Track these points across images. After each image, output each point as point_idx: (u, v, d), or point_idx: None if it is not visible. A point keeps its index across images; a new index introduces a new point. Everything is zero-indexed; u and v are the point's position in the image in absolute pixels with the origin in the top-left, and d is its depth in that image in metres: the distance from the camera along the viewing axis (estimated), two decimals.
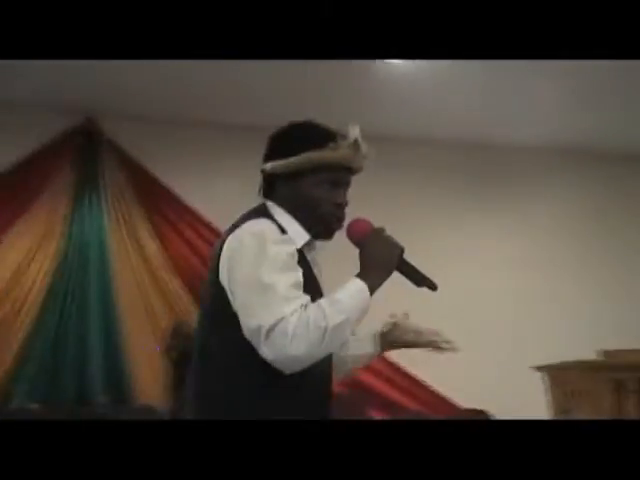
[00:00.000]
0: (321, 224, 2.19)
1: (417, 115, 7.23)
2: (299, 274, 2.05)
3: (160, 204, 7.02)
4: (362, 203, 2.67)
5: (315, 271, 2.21)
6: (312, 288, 2.10)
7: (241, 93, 6.60)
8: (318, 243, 2.25)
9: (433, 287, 2.25)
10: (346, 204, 2.21)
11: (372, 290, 2.07)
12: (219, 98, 6.71)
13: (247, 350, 2.00)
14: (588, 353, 4.49)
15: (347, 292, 2.03)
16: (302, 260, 2.11)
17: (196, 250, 6.99)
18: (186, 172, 7.21)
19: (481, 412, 6.92)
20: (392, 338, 2.43)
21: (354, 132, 2.17)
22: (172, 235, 7.01)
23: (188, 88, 6.48)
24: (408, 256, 2.25)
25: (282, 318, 1.94)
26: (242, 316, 2.01)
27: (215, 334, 2.10)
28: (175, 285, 6.89)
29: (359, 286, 2.05)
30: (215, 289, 2.09)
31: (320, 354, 2.00)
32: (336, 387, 2.16)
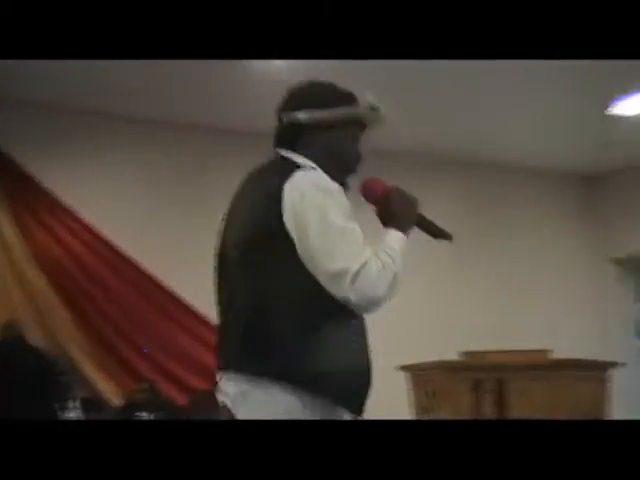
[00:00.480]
0: (345, 176, 2.27)
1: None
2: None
3: (21, 190, 6.72)
4: None
5: None
6: None
7: (94, 78, 6.40)
8: None
9: (449, 238, 2.36)
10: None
11: (405, 240, 2.17)
12: (72, 82, 6.49)
13: (315, 294, 2.04)
14: (451, 354, 4.60)
15: (395, 242, 2.13)
16: None
17: (58, 238, 6.75)
18: (47, 157, 6.91)
19: None
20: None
21: (372, 96, 2.29)
22: (33, 223, 6.73)
23: (44, 71, 6.20)
24: None
25: (366, 262, 2.01)
26: (319, 261, 2.02)
27: (276, 280, 2.08)
28: (35, 276, 6.63)
29: (399, 236, 2.15)
30: (275, 238, 2.06)
31: (390, 298, 2.08)
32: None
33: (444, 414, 4.16)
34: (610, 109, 7.24)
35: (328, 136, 2.26)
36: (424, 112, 7.28)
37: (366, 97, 2.30)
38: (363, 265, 2.01)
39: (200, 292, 7.00)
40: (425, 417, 4.29)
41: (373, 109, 2.29)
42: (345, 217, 2.06)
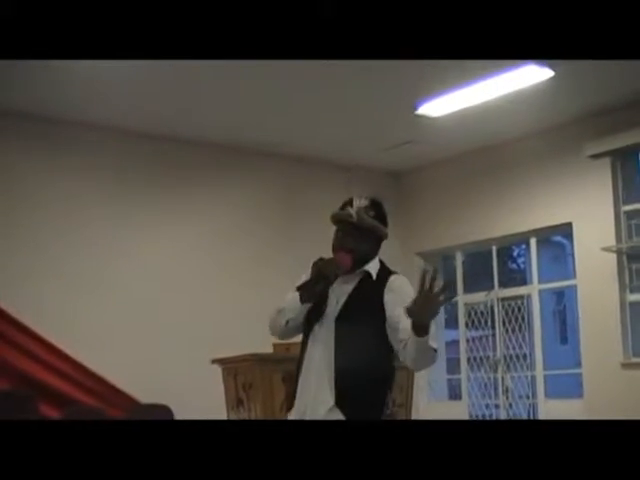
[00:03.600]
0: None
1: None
2: None
3: None
4: None
5: None
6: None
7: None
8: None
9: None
10: (356, 251, 3.10)
11: (301, 294, 3.05)
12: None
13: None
14: (267, 348, 4.63)
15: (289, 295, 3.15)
16: None
17: None
18: None
19: (163, 407, 6.89)
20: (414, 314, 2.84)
21: (359, 202, 3.14)
22: None
23: None
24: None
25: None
26: (395, 329, 2.97)
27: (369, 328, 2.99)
28: None
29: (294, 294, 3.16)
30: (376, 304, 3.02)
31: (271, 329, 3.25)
32: None
33: (258, 406, 4.18)
34: (418, 109, 7.55)
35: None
36: (240, 106, 7.31)
37: (352, 204, 3.15)
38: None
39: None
40: (240, 410, 4.29)
41: (349, 214, 3.15)
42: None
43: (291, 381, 3.04)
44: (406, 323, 2.83)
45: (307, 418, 2.90)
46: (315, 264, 3.06)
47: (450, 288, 2.97)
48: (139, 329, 7.69)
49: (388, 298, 3.03)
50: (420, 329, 2.77)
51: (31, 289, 7.18)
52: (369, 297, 3.04)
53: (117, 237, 7.85)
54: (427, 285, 2.78)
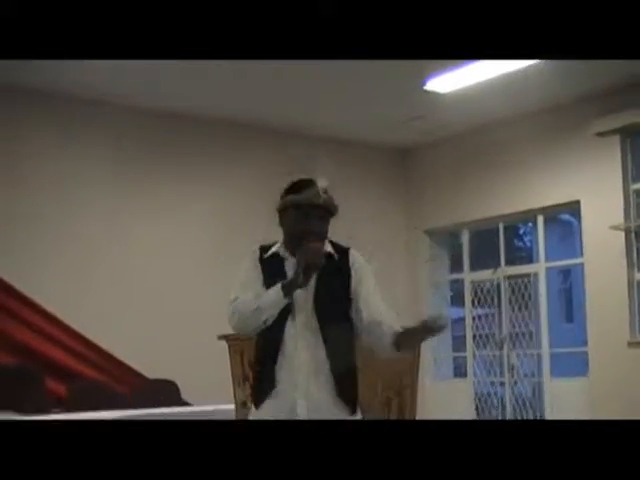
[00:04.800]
0: (293, 245, 2.97)
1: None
2: None
3: None
4: None
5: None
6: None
7: None
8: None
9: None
10: (320, 232, 2.97)
11: (285, 289, 2.85)
12: None
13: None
14: None
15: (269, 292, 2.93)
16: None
17: None
18: None
19: (169, 382, 6.91)
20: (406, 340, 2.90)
21: (323, 183, 2.97)
22: None
23: None
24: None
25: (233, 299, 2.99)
26: (376, 321, 2.93)
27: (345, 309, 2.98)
28: None
29: (276, 289, 2.91)
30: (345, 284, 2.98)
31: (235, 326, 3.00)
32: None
33: None
34: (426, 85, 7.49)
35: (284, 219, 3.05)
36: (250, 86, 7.25)
37: (316, 184, 2.96)
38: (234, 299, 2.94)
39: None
40: (246, 386, 4.28)
41: (316, 194, 2.94)
42: (245, 273, 3.07)
43: None
44: (388, 320, 2.91)
45: (299, 412, 2.79)
46: (302, 255, 2.83)
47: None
48: (146, 305, 7.69)
49: (356, 277, 2.99)
50: (399, 348, 2.87)
51: (37, 266, 7.18)
52: (337, 278, 2.96)
53: (123, 213, 7.83)
54: (433, 332, 2.81)
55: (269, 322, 2.85)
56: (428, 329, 2.79)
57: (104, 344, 7.16)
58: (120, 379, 7.13)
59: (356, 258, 3.03)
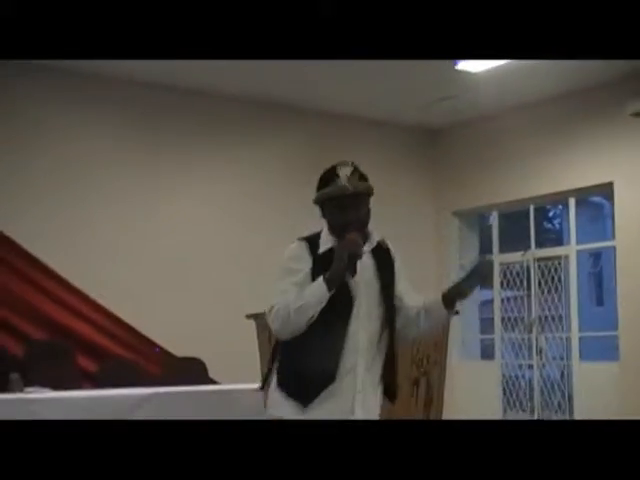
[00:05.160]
0: (337, 236, 2.93)
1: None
2: None
3: None
4: None
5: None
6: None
7: None
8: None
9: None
10: (357, 219, 2.93)
11: (328, 283, 2.79)
12: None
13: None
14: None
15: (310, 288, 2.83)
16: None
17: None
18: None
19: (197, 360, 6.95)
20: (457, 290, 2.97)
21: (345, 170, 2.94)
22: None
23: None
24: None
25: (273, 305, 2.93)
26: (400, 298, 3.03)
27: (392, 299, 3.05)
28: None
29: (318, 283, 2.82)
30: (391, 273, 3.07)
31: (284, 331, 2.88)
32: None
33: None
34: (458, 64, 7.41)
35: (323, 211, 3.02)
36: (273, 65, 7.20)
37: (339, 175, 2.94)
38: (271, 307, 2.85)
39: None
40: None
41: (342, 187, 2.91)
42: (283, 271, 2.95)
43: None
44: (412, 294, 3.01)
45: (356, 410, 2.80)
46: (341, 248, 2.82)
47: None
48: (174, 284, 7.72)
49: (397, 268, 3.06)
50: (453, 302, 2.95)
51: (73, 248, 7.24)
52: (387, 267, 3.01)
53: (150, 191, 7.85)
54: (483, 274, 2.98)
55: (314, 318, 2.79)
56: (478, 272, 2.91)
57: (133, 322, 7.20)
58: (148, 357, 7.18)
59: (392, 247, 3.09)
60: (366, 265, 2.92)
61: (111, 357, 6.96)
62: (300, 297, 2.79)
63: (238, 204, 8.31)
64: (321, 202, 3.01)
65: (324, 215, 3.02)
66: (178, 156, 8.05)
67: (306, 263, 2.91)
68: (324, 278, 2.79)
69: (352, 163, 2.97)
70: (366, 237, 2.96)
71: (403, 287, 3.03)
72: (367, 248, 2.95)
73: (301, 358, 2.85)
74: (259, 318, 4.45)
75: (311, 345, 2.83)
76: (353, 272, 2.83)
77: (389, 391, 2.97)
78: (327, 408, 2.79)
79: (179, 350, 7.15)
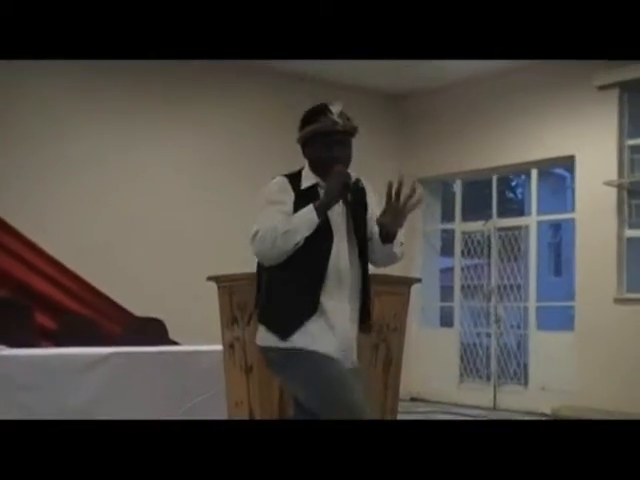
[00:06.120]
0: (320, 175, 2.99)
1: None
2: None
3: None
4: None
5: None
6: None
7: None
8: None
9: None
10: (345, 157, 3.01)
11: (318, 210, 2.86)
12: None
13: None
14: None
15: (299, 214, 2.87)
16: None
17: None
18: None
19: (156, 321, 6.94)
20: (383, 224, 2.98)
21: (336, 109, 2.99)
22: None
23: None
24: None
25: (257, 230, 2.95)
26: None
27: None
28: None
29: (308, 209, 2.86)
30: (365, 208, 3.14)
31: (265, 255, 2.91)
32: None
33: (252, 325, 4.18)
34: None
35: (307, 148, 3.04)
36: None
37: (331, 111, 2.98)
38: (256, 232, 2.85)
39: None
40: (235, 328, 4.29)
41: (334, 122, 2.96)
42: (267, 202, 2.94)
43: None
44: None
45: (337, 337, 2.90)
46: (334, 178, 2.90)
47: (416, 194, 3.07)
48: (135, 243, 7.69)
49: (370, 201, 3.14)
50: (387, 237, 2.98)
51: (31, 204, 7.16)
52: (362, 205, 3.10)
53: (115, 153, 7.77)
54: (393, 196, 2.97)
55: (300, 244, 2.85)
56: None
57: (93, 280, 7.16)
58: (108, 315, 7.15)
59: (367, 186, 3.16)
60: (345, 202, 3.02)
61: (70, 315, 6.92)
62: (288, 222, 2.84)
63: (203, 168, 8.25)
64: (308, 138, 3.02)
65: (307, 153, 3.05)
66: (146, 115, 7.96)
67: (289, 196, 2.95)
68: (314, 205, 2.86)
69: (341, 103, 3.04)
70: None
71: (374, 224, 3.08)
72: None
73: (280, 293, 2.93)
74: (220, 280, 4.45)
75: (290, 279, 2.90)
76: (338, 202, 2.94)
77: (363, 322, 3.06)
78: (308, 341, 2.86)
79: (139, 310, 7.13)
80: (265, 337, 2.97)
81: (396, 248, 3.07)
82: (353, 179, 3.01)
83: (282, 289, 2.94)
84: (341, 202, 2.99)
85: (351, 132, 3.05)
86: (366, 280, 3.04)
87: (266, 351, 2.99)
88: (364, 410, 2.74)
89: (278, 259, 2.87)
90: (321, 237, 2.90)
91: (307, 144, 3.05)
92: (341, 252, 2.95)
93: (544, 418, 7.84)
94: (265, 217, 2.88)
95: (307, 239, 2.86)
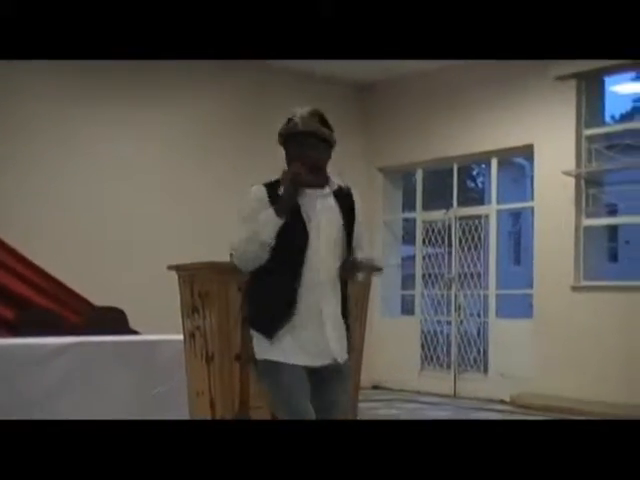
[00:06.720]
0: (291, 181, 3.03)
1: None
2: None
3: None
4: None
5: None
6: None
7: None
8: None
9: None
10: (307, 156, 3.06)
11: (276, 209, 2.96)
12: None
13: None
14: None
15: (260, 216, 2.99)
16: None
17: None
18: None
19: (116, 310, 6.89)
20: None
21: (300, 111, 3.07)
22: None
23: None
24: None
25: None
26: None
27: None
28: None
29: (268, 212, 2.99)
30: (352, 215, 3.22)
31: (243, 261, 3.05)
32: None
33: (214, 315, 4.18)
34: None
35: (285, 151, 3.15)
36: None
37: (294, 114, 3.07)
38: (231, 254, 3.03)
39: None
40: (195, 317, 4.29)
41: (294, 124, 3.06)
42: (241, 219, 3.03)
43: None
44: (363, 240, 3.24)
45: (328, 334, 2.99)
46: (286, 176, 2.99)
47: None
48: (95, 232, 7.62)
49: (357, 213, 3.21)
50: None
51: None
52: (347, 209, 3.16)
53: (79, 139, 7.70)
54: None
55: (267, 247, 2.96)
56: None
57: (52, 270, 7.09)
58: (67, 305, 7.08)
59: (357, 197, 3.25)
60: (326, 206, 3.08)
61: (30, 305, 6.84)
62: (251, 228, 2.97)
63: (170, 157, 8.21)
64: (281, 143, 3.15)
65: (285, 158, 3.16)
66: (112, 101, 7.90)
67: (265, 207, 3.02)
68: (273, 207, 2.98)
69: (314, 109, 3.13)
70: (322, 178, 3.12)
71: (359, 231, 3.19)
72: (327, 190, 3.12)
73: (261, 295, 3.05)
74: (181, 269, 4.44)
75: (269, 282, 3.01)
76: (292, 199, 3.00)
77: (348, 326, 3.15)
78: (293, 340, 2.97)
79: (99, 299, 7.08)
80: (254, 337, 3.08)
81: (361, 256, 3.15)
82: (335, 184, 3.15)
83: (261, 293, 3.06)
84: (328, 207, 3.08)
85: (313, 132, 3.09)
86: (345, 282, 3.12)
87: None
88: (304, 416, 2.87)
89: (254, 262, 3.00)
90: (296, 239, 3.01)
91: (283, 148, 3.15)
92: (322, 254, 3.03)
93: (501, 407, 7.95)
94: (237, 235, 3.00)
95: (284, 243, 2.97)
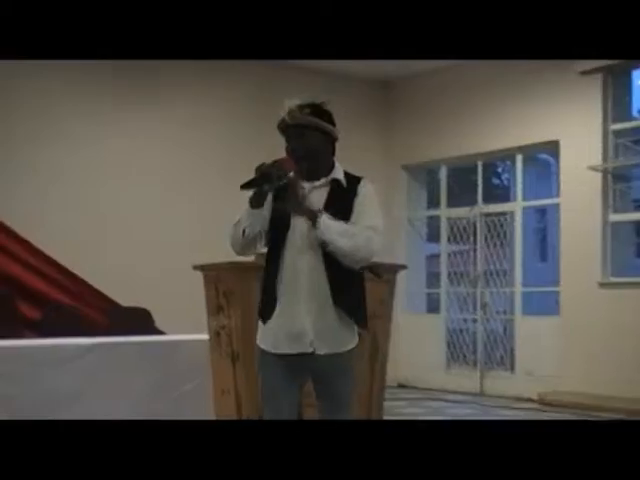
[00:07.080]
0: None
1: None
2: None
3: None
4: None
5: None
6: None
7: None
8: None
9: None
10: (294, 149, 3.06)
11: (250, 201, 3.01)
12: None
13: None
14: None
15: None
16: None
17: None
18: None
19: (142, 310, 6.92)
20: None
21: (288, 103, 3.03)
22: None
23: None
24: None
25: None
26: None
27: None
28: None
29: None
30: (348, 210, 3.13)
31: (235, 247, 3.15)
32: None
33: (238, 313, 4.18)
34: None
35: None
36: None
37: (283, 108, 3.04)
38: None
39: None
40: (220, 316, 4.29)
41: (281, 119, 3.04)
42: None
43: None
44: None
45: (305, 325, 3.00)
46: (258, 168, 3.00)
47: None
48: (122, 233, 7.66)
49: (359, 206, 3.15)
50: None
51: (16, 196, 7.13)
52: (341, 202, 3.11)
53: (99, 139, 7.73)
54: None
55: (248, 235, 3.04)
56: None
57: (78, 270, 7.13)
58: (93, 305, 7.11)
59: (363, 189, 3.17)
60: (316, 198, 3.06)
61: (55, 305, 6.88)
62: (239, 215, 3.07)
63: (188, 155, 8.23)
64: (282, 133, 3.15)
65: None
66: (126, 104, 7.92)
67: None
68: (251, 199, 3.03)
69: (308, 100, 3.07)
70: (313, 169, 3.08)
71: (360, 210, 3.13)
72: (322, 181, 3.10)
73: (262, 284, 3.14)
74: (206, 269, 4.44)
75: (264, 273, 3.12)
76: (265, 197, 3.02)
77: (356, 318, 3.11)
78: (277, 327, 3.06)
79: (125, 299, 7.10)
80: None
81: (338, 239, 3.02)
82: (330, 176, 3.12)
83: (262, 282, 3.16)
84: (318, 199, 3.07)
85: (302, 124, 3.06)
86: (336, 273, 3.05)
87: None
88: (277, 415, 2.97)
89: (243, 248, 3.11)
90: (280, 230, 3.06)
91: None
92: (304, 245, 3.02)
93: (529, 405, 7.89)
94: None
95: (272, 234, 3.06)
